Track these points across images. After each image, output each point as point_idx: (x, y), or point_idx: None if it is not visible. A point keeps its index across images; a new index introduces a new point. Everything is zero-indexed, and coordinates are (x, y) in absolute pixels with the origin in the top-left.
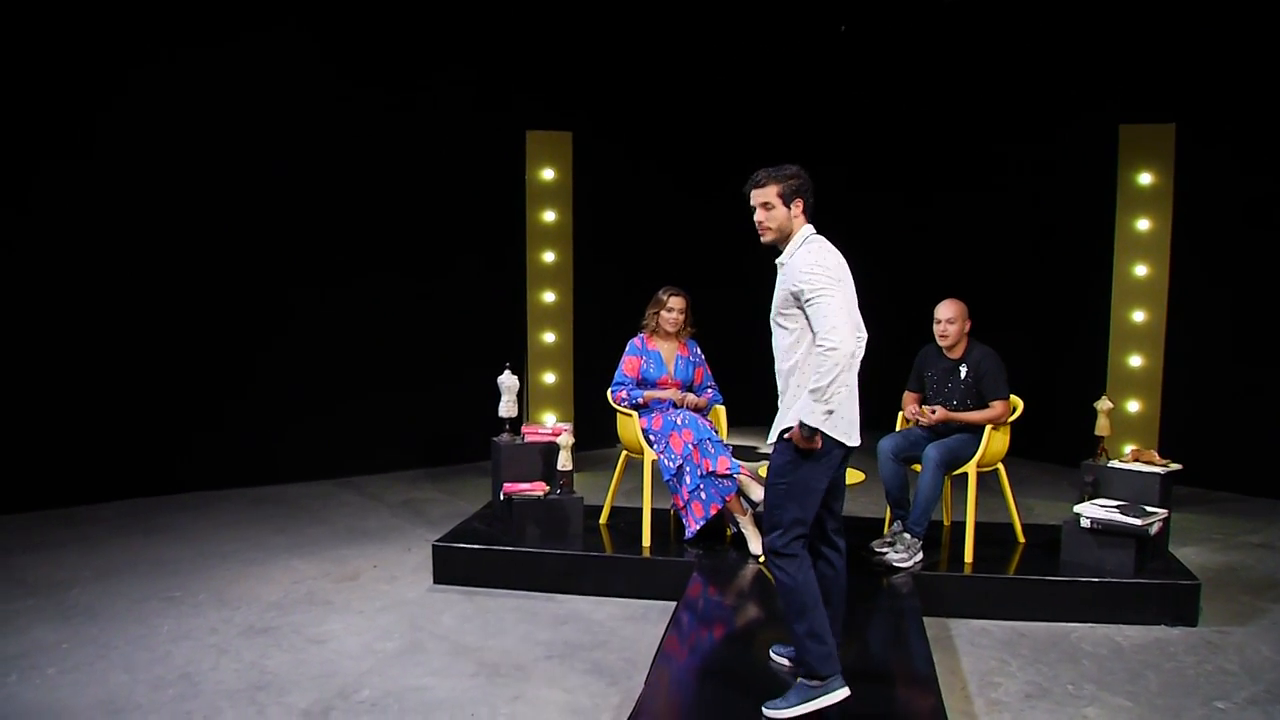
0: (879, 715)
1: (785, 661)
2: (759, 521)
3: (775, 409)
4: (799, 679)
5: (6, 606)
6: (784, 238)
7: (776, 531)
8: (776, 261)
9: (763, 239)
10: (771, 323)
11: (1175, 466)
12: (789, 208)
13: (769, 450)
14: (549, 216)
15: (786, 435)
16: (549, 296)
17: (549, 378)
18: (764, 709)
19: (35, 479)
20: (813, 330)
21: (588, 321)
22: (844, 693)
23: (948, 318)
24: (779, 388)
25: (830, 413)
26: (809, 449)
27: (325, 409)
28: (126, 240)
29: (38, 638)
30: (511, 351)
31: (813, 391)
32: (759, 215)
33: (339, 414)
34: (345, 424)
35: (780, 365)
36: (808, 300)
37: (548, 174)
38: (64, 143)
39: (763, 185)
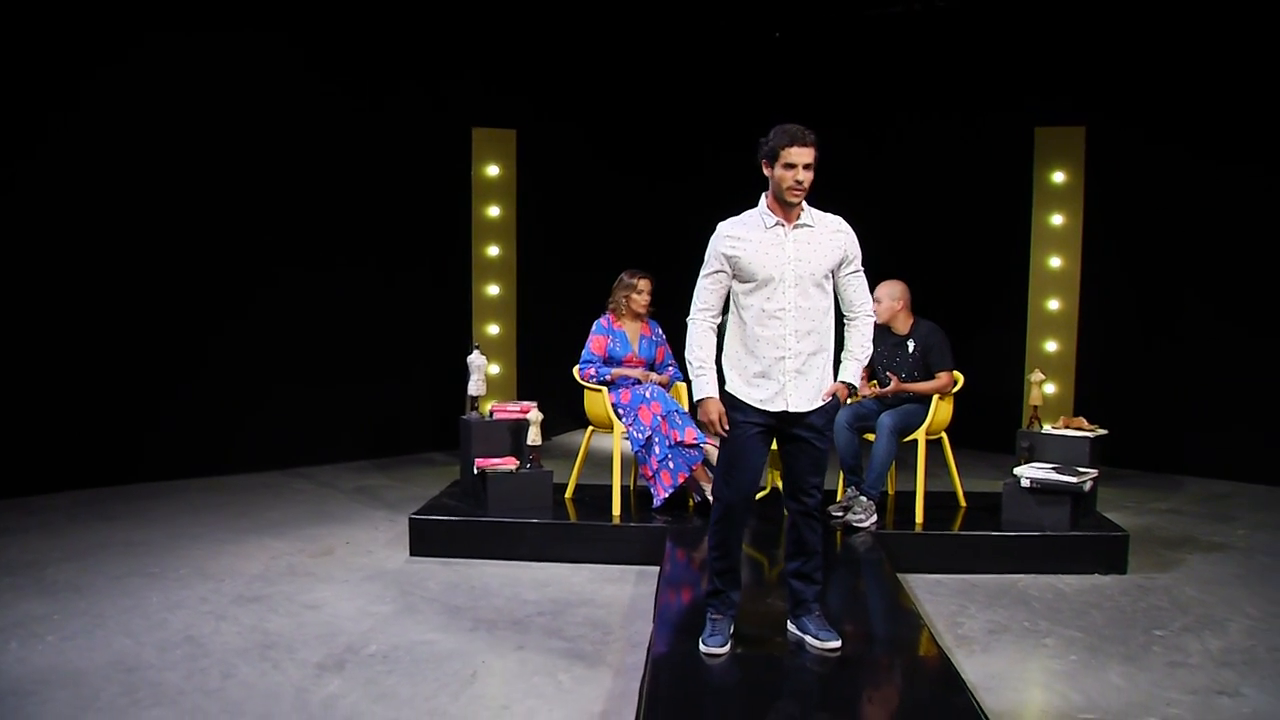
0: (880, 640)
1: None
2: None
3: None
4: (819, 614)
5: None
6: None
7: (819, 480)
8: (795, 223)
9: (795, 200)
10: (797, 283)
11: (1102, 431)
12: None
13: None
14: (493, 212)
15: (828, 395)
16: (493, 290)
17: (493, 369)
18: (822, 646)
19: None
20: (854, 298)
21: (531, 314)
22: None
23: (875, 298)
24: (793, 348)
25: None
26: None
27: (271, 402)
28: (77, 234)
29: (26, 610)
30: (455, 344)
31: (861, 359)
32: (804, 175)
33: (285, 407)
34: (291, 416)
35: (804, 326)
36: (857, 271)
37: (492, 170)
38: (14, 130)
39: (813, 145)
